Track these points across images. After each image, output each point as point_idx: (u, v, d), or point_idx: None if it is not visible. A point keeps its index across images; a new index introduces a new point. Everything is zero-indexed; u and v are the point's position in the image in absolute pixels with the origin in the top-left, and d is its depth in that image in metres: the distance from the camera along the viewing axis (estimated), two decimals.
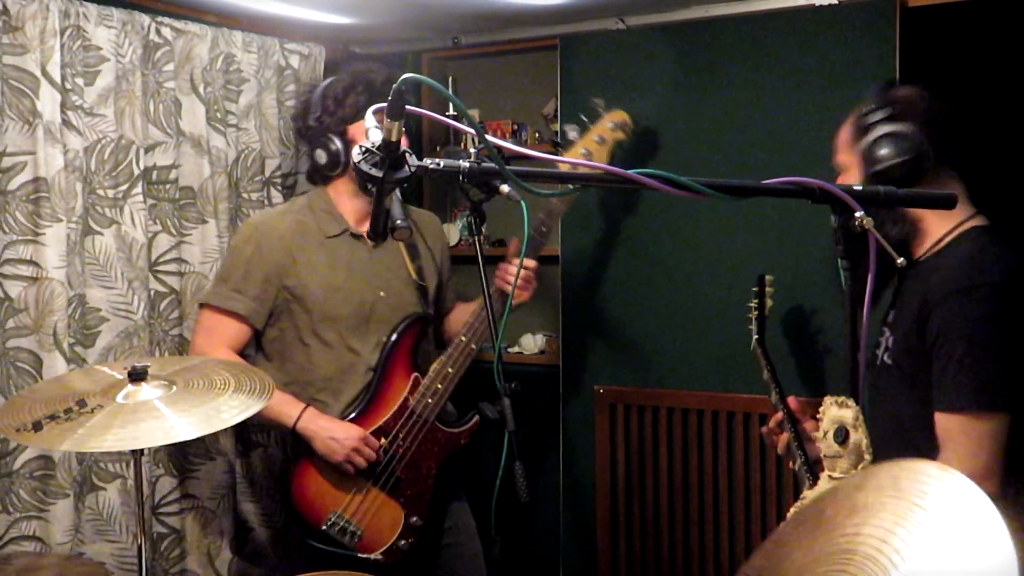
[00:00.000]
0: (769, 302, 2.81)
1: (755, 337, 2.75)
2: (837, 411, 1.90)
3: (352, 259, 2.88)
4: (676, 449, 3.40)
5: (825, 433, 1.91)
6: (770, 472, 3.25)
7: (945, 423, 2.05)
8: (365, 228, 2.91)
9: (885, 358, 2.22)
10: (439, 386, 2.83)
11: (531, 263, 2.91)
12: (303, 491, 2.84)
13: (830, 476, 1.94)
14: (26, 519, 2.68)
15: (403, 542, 2.83)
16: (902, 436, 2.16)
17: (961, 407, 2.02)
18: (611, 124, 3.00)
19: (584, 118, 3.02)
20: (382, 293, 2.90)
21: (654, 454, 3.44)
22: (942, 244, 2.17)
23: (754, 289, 2.81)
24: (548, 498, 3.62)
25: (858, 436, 1.87)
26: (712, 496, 3.35)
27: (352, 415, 2.84)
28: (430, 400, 2.84)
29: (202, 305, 2.90)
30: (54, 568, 2.44)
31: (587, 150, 2.97)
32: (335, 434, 2.77)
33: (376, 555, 2.81)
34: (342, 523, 2.81)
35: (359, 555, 2.80)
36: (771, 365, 2.63)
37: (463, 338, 2.84)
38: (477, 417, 2.60)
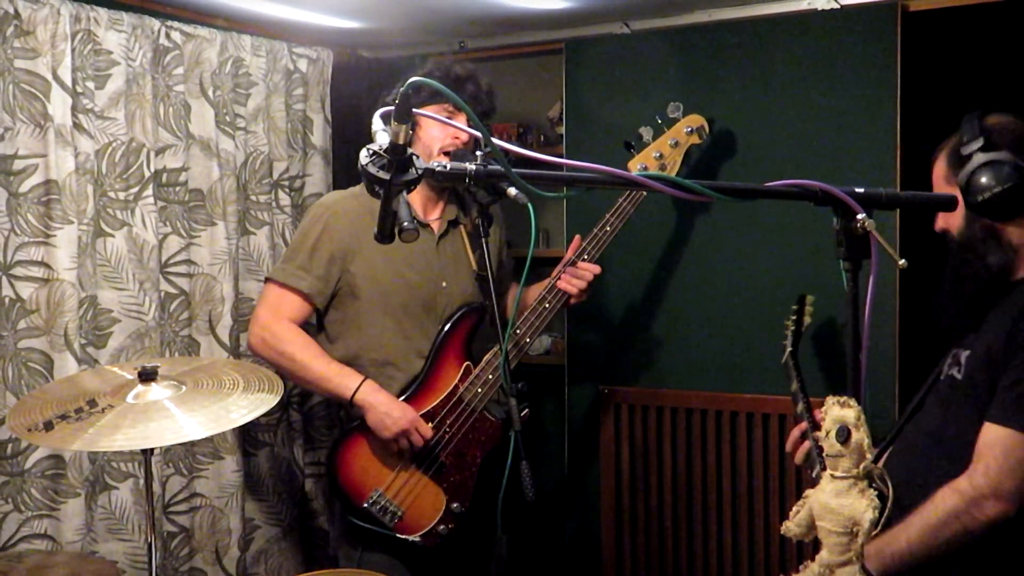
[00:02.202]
0: (807, 319, 2.86)
1: (788, 350, 2.80)
2: (839, 411, 1.92)
3: (417, 248, 2.89)
4: (680, 448, 3.42)
5: (828, 432, 1.93)
6: (773, 471, 3.27)
7: (992, 435, 2.02)
8: (432, 218, 2.96)
9: (954, 373, 2.19)
10: (490, 376, 2.86)
11: (596, 268, 2.92)
12: (349, 467, 2.87)
13: (832, 475, 1.96)
14: (37, 518, 2.70)
15: (443, 527, 2.86)
16: (952, 452, 2.12)
17: (1016, 424, 1.99)
18: (687, 128, 3.02)
19: (659, 120, 3.04)
20: (444, 283, 2.94)
21: (658, 453, 3.47)
22: None
23: (794, 307, 2.86)
24: (554, 497, 3.64)
25: (860, 435, 1.88)
26: (716, 495, 3.37)
27: (401, 398, 2.87)
28: (480, 389, 2.87)
29: (268, 279, 2.96)
30: (66, 566, 2.44)
31: (660, 152, 2.99)
32: (390, 410, 2.79)
33: (415, 537, 2.84)
34: (384, 502, 2.84)
35: (398, 535, 2.83)
36: (801, 378, 2.66)
37: (517, 331, 2.88)
38: (527, 410, 2.62)
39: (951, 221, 2.22)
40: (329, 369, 2.85)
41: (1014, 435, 1.99)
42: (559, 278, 2.92)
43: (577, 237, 2.98)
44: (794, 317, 2.85)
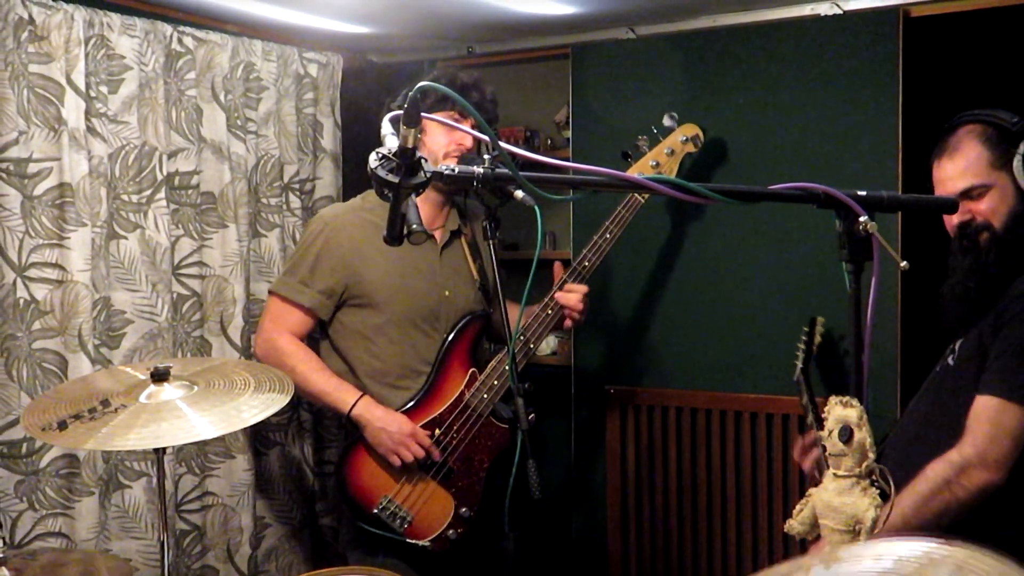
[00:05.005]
0: (818, 339, 2.94)
1: (800, 368, 2.88)
2: (842, 410, 1.95)
3: (420, 259, 2.92)
4: (685, 448, 3.45)
5: (830, 432, 1.95)
6: (777, 470, 3.29)
7: (981, 405, 2.06)
8: (435, 227, 2.98)
9: (949, 361, 2.23)
10: (495, 382, 2.89)
11: (583, 288, 2.94)
12: (357, 474, 2.90)
13: (835, 474, 1.99)
14: (52, 516, 2.73)
15: (452, 532, 2.88)
16: (942, 432, 2.16)
17: (1002, 393, 2.03)
18: (682, 137, 3.05)
19: (655, 130, 3.07)
20: (447, 293, 2.96)
21: (664, 453, 3.49)
22: None
23: (805, 328, 2.94)
24: (560, 495, 3.67)
25: (862, 435, 1.91)
26: (720, 494, 3.40)
27: (408, 406, 2.89)
28: (485, 395, 2.89)
29: (271, 292, 2.99)
30: (80, 564, 2.46)
31: (656, 161, 3.03)
32: (386, 425, 2.82)
33: (425, 542, 2.86)
34: (393, 508, 2.86)
35: (408, 540, 2.86)
36: (811, 393, 2.74)
37: (521, 338, 2.90)
38: (533, 415, 2.66)
39: (995, 208, 2.17)
40: (328, 383, 2.88)
41: (999, 403, 2.03)
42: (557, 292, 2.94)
43: (558, 264, 3.01)
44: (805, 338, 2.94)
